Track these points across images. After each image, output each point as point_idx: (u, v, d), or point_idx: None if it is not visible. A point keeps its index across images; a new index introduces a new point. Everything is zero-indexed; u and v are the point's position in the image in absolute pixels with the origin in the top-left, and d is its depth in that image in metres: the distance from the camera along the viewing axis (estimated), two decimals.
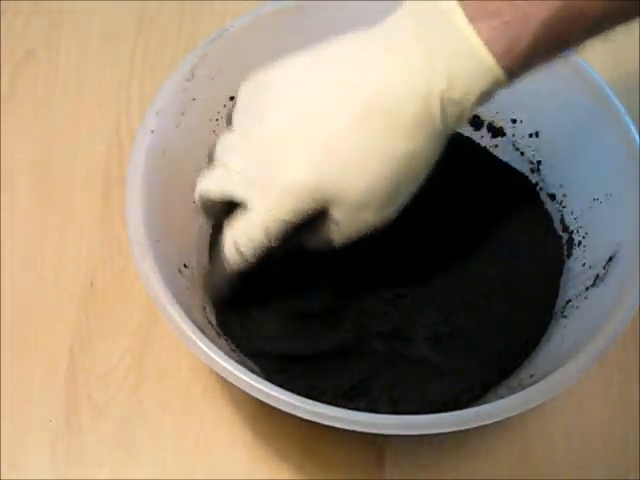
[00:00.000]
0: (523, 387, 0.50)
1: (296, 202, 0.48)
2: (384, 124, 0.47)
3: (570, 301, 0.59)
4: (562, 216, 0.64)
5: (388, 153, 0.48)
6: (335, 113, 0.48)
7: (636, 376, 0.62)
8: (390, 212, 0.51)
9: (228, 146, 0.51)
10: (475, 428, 0.49)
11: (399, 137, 0.47)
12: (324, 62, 0.50)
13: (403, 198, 0.51)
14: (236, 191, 0.50)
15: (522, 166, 0.67)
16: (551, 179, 0.65)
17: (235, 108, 0.52)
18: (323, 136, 0.48)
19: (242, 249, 0.51)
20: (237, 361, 0.50)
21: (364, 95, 0.47)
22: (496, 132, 0.68)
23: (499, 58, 0.45)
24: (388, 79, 0.47)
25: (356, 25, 0.66)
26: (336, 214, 0.50)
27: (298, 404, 0.48)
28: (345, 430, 0.48)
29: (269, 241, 0.50)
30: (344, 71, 0.48)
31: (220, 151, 0.52)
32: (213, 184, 0.52)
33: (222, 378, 0.55)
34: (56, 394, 0.62)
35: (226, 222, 0.52)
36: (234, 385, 0.49)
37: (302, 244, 0.53)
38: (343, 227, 0.51)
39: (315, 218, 0.50)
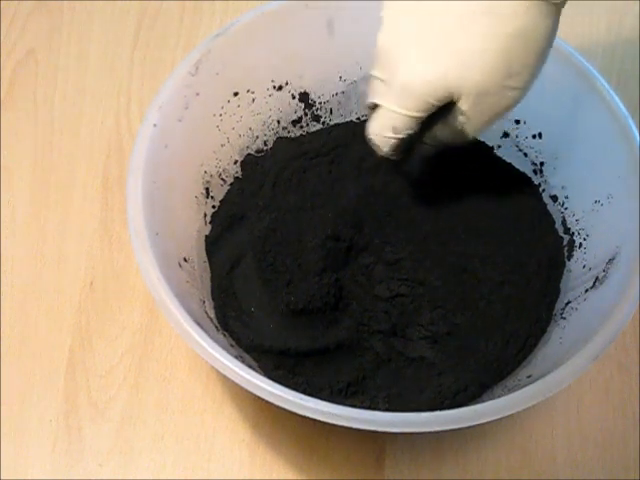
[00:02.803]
0: (520, 388, 0.52)
1: (415, 98, 0.53)
2: (489, 7, 0.50)
3: (569, 302, 0.61)
4: (564, 218, 0.65)
5: (499, 33, 0.50)
6: (442, 8, 0.51)
7: (636, 376, 0.64)
8: (516, 94, 0.53)
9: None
10: (475, 428, 0.51)
11: (507, 16, 0.50)
12: None
13: (526, 77, 0.53)
14: (374, 97, 0.56)
15: (525, 167, 0.68)
16: (554, 180, 0.67)
17: None
18: (433, 30, 0.52)
19: (376, 142, 0.57)
20: (235, 356, 0.52)
21: None
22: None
23: None
24: None
25: (357, 23, 0.68)
26: (461, 104, 0.53)
27: (294, 400, 0.50)
28: (345, 430, 0.50)
29: (397, 134, 0.55)
30: None
31: None
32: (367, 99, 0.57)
33: (222, 378, 0.56)
34: (56, 394, 0.63)
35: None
36: (234, 385, 0.51)
37: (437, 137, 0.57)
38: (471, 116, 0.54)
39: (444, 110, 0.54)
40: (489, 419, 0.50)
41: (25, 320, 0.66)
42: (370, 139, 0.57)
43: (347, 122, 0.71)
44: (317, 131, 0.70)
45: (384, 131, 0.56)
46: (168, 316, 0.53)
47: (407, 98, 0.53)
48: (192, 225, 0.63)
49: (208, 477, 0.61)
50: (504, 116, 0.55)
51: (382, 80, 0.55)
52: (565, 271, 0.63)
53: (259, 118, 0.68)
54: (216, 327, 0.58)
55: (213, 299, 0.61)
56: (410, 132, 0.55)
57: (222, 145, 0.66)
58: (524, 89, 0.53)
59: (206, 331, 0.52)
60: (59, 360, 0.65)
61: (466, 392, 0.57)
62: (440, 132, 0.57)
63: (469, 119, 0.54)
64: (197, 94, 0.63)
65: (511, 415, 0.50)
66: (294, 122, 0.70)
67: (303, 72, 0.69)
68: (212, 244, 0.63)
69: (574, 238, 0.64)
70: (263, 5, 0.66)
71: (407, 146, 0.57)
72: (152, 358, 0.65)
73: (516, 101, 0.54)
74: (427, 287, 0.60)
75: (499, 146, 0.69)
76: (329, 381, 0.57)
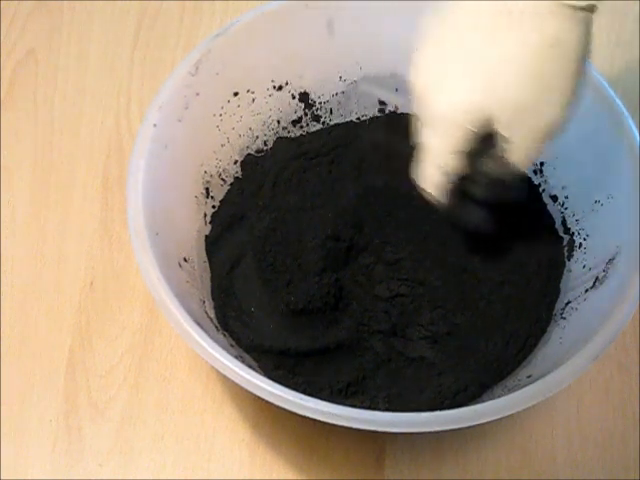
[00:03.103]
0: (520, 387, 0.52)
1: (453, 127, 0.52)
2: (515, 21, 0.49)
3: (569, 302, 0.61)
4: (564, 218, 0.66)
5: (527, 46, 0.49)
6: (469, 32, 0.51)
7: (636, 376, 0.64)
8: (555, 112, 0.51)
9: None
10: (475, 428, 0.51)
11: (534, 27, 0.49)
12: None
13: (563, 92, 0.51)
14: (417, 137, 0.55)
15: None
16: (554, 180, 0.67)
17: None
18: (462, 57, 0.51)
19: (424, 186, 0.56)
20: (235, 356, 0.52)
21: (489, 7, 0.50)
22: None
23: None
24: None
25: (357, 23, 0.68)
26: (500, 128, 0.51)
27: (294, 400, 0.50)
28: (345, 430, 0.50)
29: (442, 172, 0.54)
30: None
31: None
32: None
33: (222, 378, 0.57)
34: (56, 394, 0.64)
35: None
36: (234, 385, 0.51)
37: (487, 174, 0.55)
38: (513, 141, 0.52)
39: (488, 144, 0.53)
40: (489, 419, 0.50)
41: (25, 320, 0.67)
42: (418, 185, 0.56)
43: (347, 122, 0.71)
44: (317, 131, 0.71)
45: (429, 171, 0.55)
46: (168, 316, 0.53)
47: (445, 129, 0.52)
48: (192, 225, 0.63)
49: (208, 477, 0.61)
50: (550, 140, 0.53)
51: (421, 120, 0.54)
52: (565, 271, 0.63)
53: (259, 118, 0.68)
54: (216, 327, 0.58)
55: (213, 299, 0.61)
56: (455, 168, 0.54)
57: (222, 145, 0.66)
58: (564, 105, 0.51)
59: (206, 331, 0.52)
60: (59, 360, 0.65)
61: (466, 392, 0.57)
62: (486, 167, 0.55)
63: (512, 144, 0.52)
64: (197, 94, 0.64)
65: (511, 415, 0.51)
66: (294, 122, 0.70)
67: (303, 72, 0.69)
68: (212, 244, 0.63)
69: (574, 238, 0.64)
70: (263, 5, 0.66)
71: (457, 188, 0.55)
72: (152, 358, 0.65)
73: (557, 120, 0.52)
74: (427, 287, 0.61)
75: None
76: (329, 381, 0.57)
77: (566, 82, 0.51)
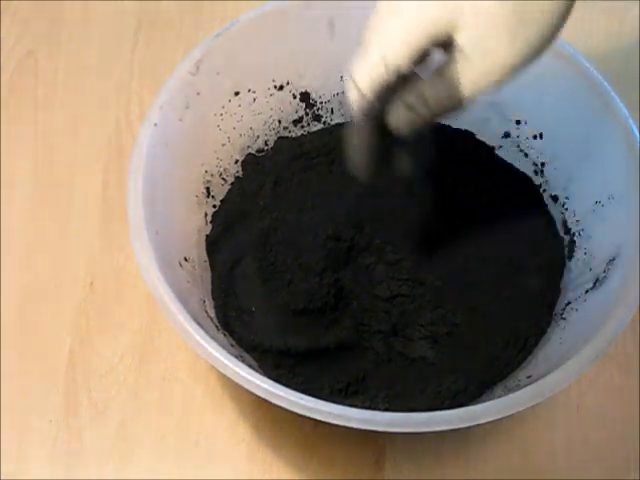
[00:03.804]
0: (520, 388, 0.52)
1: (410, 18, 0.47)
2: None
3: (570, 303, 0.61)
4: (564, 218, 0.66)
5: None
6: None
7: (636, 376, 0.64)
8: (524, 50, 0.46)
9: None
10: (475, 428, 0.51)
11: None
12: None
13: (539, 30, 0.46)
14: (365, 33, 0.50)
15: (526, 168, 0.69)
16: (554, 181, 0.67)
17: None
18: None
19: (359, 85, 0.50)
20: (235, 356, 0.52)
21: None
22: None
23: None
24: None
25: (358, 22, 0.68)
26: (460, 38, 0.46)
27: (294, 400, 0.50)
28: (345, 430, 0.50)
29: (387, 69, 0.48)
30: None
31: None
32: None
33: (222, 378, 0.57)
34: (56, 394, 0.64)
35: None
36: (234, 385, 0.51)
37: (425, 96, 0.49)
38: (471, 60, 0.47)
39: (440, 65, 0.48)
40: (489, 419, 0.50)
41: (25, 320, 0.67)
42: (350, 76, 0.50)
43: (348, 122, 0.71)
44: (318, 131, 0.71)
45: (372, 59, 0.49)
46: (168, 316, 0.53)
47: (401, 19, 0.47)
48: (192, 224, 0.63)
49: (208, 477, 0.61)
50: (512, 71, 0.47)
51: (376, 14, 0.49)
52: (565, 271, 0.63)
53: (260, 118, 0.69)
54: (216, 327, 0.58)
55: (213, 299, 0.61)
56: (400, 69, 0.48)
57: (223, 145, 0.67)
58: (535, 47, 0.46)
59: (206, 331, 0.53)
60: (59, 360, 0.65)
61: (466, 392, 0.57)
62: (430, 88, 0.49)
63: (469, 62, 0.47)
64: (198, 93, 0.64)
65: (511, 415, 0.51)
66: (295, 122, 0.70)
67: (304, 72, 0.69)
68: (213, 244, 0.64)
69: (574, 238, 0.64)
70: (263, 5, 0.67)
71: (386, 102, 0.50)
72: (152, 358, 0.65)
73: (523, 59, 0.47)
74: (427, 287, 0.61)
75: (500, 146, 0.70)
76: (329, 381, 0.58)
77: (544, 23, 0.46)
